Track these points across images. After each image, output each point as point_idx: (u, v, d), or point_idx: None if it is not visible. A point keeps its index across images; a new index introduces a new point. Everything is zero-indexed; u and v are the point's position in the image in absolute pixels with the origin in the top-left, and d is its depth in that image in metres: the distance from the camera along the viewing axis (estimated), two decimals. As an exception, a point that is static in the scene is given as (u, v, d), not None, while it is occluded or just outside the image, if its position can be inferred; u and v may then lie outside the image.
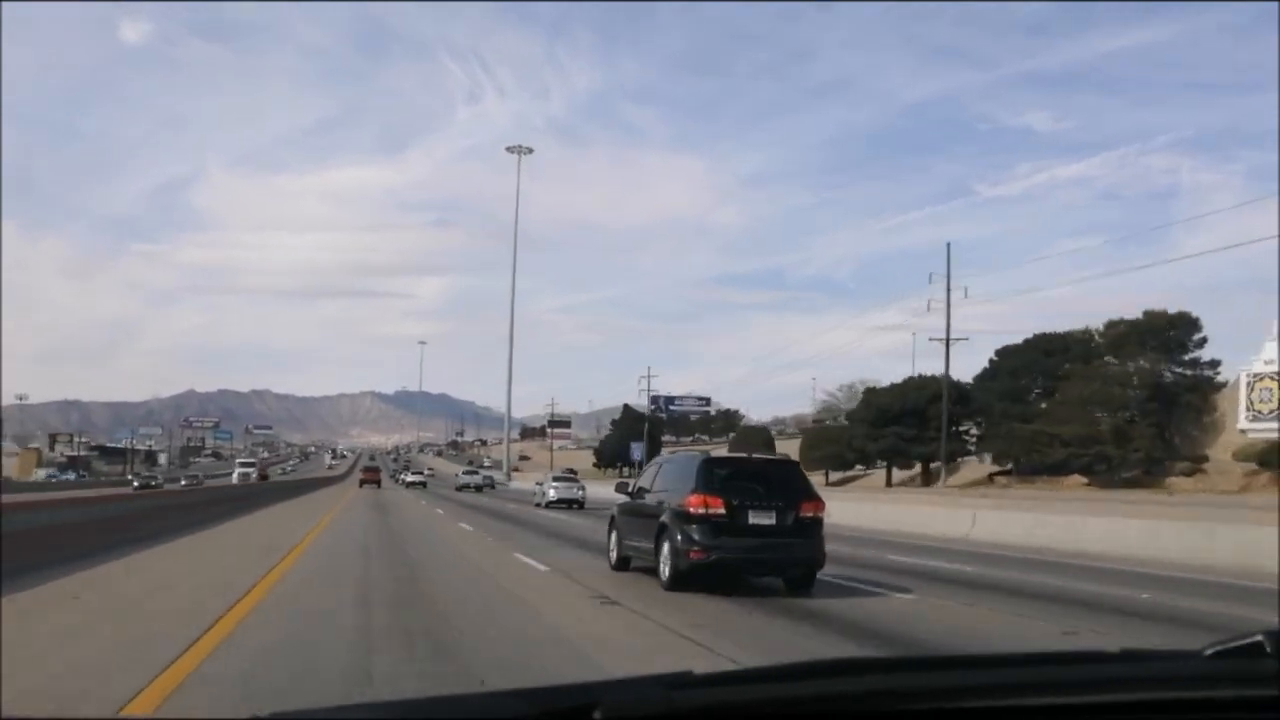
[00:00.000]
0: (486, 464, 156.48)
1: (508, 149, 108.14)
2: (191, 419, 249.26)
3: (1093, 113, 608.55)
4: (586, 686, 1.61)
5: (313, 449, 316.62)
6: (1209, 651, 1.78)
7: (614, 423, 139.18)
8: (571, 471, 61.34)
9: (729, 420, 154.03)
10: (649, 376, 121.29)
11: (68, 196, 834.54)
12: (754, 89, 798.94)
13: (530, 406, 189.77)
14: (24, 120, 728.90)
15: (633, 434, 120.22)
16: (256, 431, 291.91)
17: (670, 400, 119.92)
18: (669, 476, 13.36)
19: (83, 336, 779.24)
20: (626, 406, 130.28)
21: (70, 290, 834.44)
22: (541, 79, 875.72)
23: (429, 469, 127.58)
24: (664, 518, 12.34)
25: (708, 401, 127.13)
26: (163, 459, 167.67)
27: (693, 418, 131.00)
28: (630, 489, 14.85)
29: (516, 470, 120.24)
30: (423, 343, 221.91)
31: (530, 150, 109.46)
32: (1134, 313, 65.05)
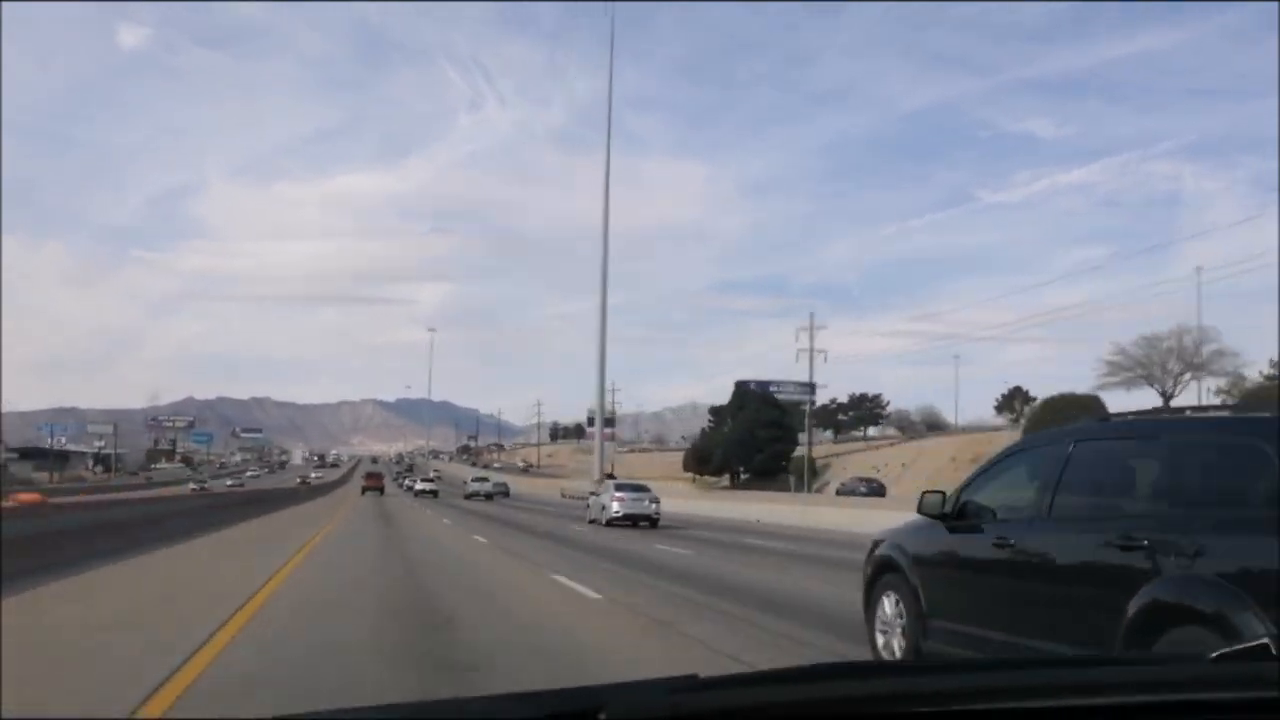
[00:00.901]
0: (497, 466, 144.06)
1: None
2: (160, 418, 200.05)
3: (1094, 119, 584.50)
4: (591, 690, 1.59)
5: (307, 455, 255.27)
6: (1213, 654, 1.81)
7: (717, 411, 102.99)
8: (611, 476, 50.07)
9: (869, 409, 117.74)
10: (812, 328, 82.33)
11: (68, 205, 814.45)
12: (754, 96, 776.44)
13: (531, 414, 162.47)
14: (23, 128, 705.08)
15: (759, 423, 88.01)
16: (245, 435, 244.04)
17: (764, 385, 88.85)
18: (1148, 468, 5.56)
19: (83, 344, 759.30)
20: (739, 384, 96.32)
21: (70, 298, 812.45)
22: (542, 87, 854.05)
23: (435, 471, 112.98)
24: (1166, 588, 4.76)
25: (812, 388, 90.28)
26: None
27: (803, 408, 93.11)
28: (948, 505, 6.79)
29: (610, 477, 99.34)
30: (433, 330, 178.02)
31: None
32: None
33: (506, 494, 71.85)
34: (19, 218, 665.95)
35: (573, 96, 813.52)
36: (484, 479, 74.58)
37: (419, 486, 71.67)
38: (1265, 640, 1.72)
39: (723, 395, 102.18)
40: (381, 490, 73.05)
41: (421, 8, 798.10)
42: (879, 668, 2.01)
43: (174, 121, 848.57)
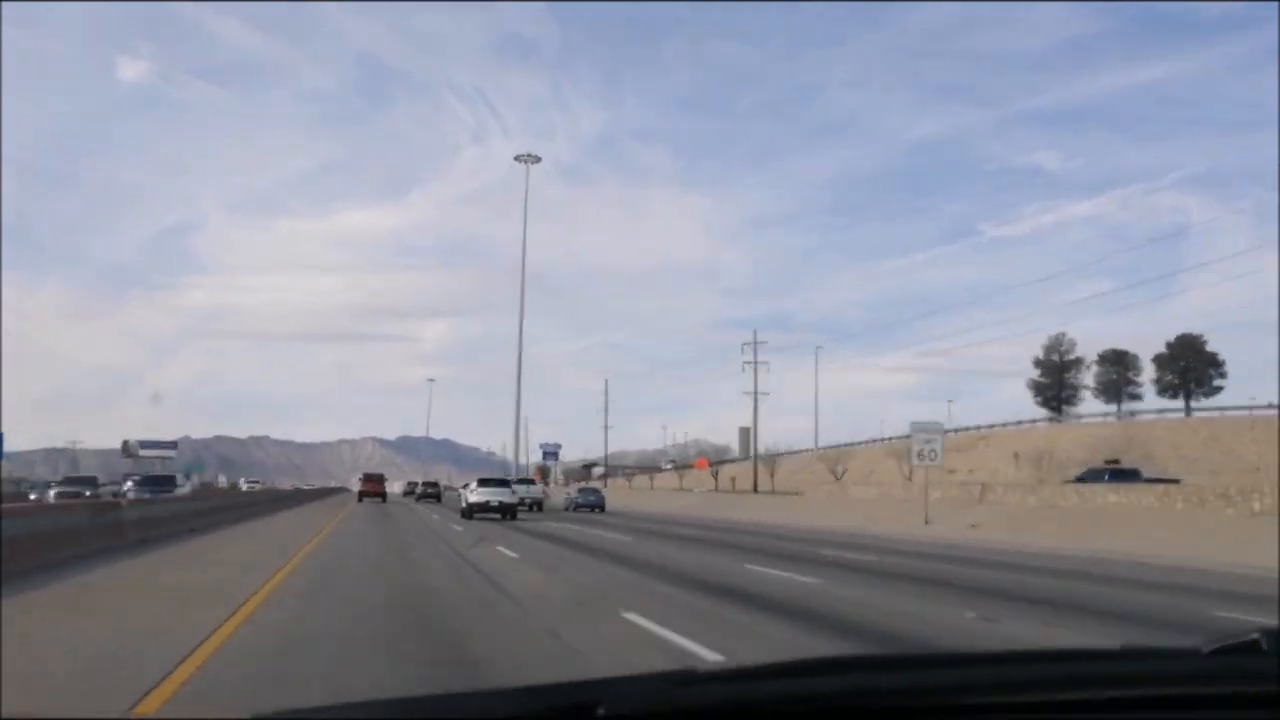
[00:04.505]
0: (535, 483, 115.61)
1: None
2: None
3: (1101, 151, 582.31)
4: (589, 684, 1.60)
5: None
6: (1207, 649, 1.82)
7: None
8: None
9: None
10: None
11: (66, 243, 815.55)
12: (757, 130, 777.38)
13: (533, 451, 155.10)
14: (22, 166, 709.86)
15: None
16: (147, 454, 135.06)
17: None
18: None
19: (82, 384, 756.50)
20: None
21: (69, 337, 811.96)
22: (547, 119, 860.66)
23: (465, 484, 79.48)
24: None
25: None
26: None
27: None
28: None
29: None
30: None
31: None
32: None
33: (602, 507, 54.10)
34: (17, 257, 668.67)
35: (576, 128, 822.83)
36: (502, 482, 43.61)
37: (476, 497, 38.25)
38: (1256, 636, 1.70)
39: (724, 433, 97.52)
40: (383, 497, 62.50)
41: (424, 41, 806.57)
42: (875, 661, 1.89)
43: (174, 157, 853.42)
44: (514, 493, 40.03)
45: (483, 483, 40.39)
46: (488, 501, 37.60)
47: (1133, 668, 1.90)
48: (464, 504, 39.86)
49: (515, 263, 76.90)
